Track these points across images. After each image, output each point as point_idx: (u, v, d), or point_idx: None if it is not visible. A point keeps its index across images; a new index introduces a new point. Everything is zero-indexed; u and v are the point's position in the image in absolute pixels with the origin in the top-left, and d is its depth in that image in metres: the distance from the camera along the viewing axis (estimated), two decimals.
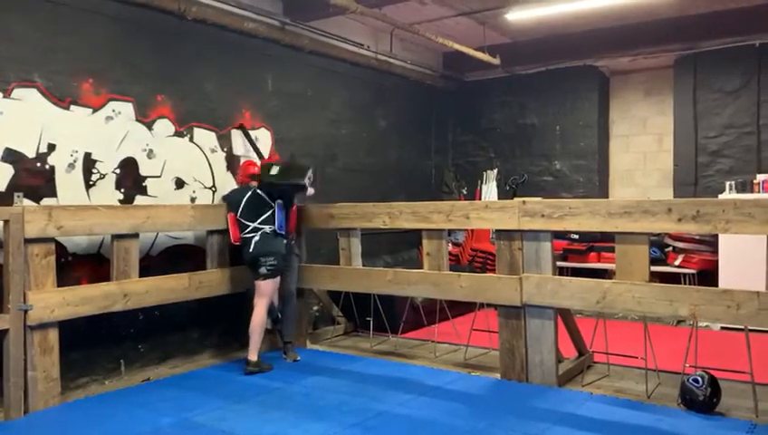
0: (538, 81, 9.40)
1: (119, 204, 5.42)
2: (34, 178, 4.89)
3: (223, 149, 6.38)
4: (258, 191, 5.79)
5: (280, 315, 6.14)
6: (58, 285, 4.74)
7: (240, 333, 6.06)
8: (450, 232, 7.34)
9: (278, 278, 5.79)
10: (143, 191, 5.67)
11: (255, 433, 4.17)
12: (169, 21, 5.83)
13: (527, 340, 5.23)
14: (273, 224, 5.70)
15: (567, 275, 7.15)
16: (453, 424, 4.29)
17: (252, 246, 5.68)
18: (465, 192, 9.88)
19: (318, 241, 7.00)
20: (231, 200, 5.90)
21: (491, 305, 5.94)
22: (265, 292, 5.70)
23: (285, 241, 5.86)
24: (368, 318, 6.78)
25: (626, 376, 5.36)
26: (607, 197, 9.14)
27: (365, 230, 6.29)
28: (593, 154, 9.10)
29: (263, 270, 5.65)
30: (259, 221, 5.70)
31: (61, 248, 4.96)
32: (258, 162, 6.26)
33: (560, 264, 8.24)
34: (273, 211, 5.71)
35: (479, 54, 8.33)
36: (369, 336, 6.78)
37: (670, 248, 8.01)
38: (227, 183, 6.37)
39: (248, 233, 5.73)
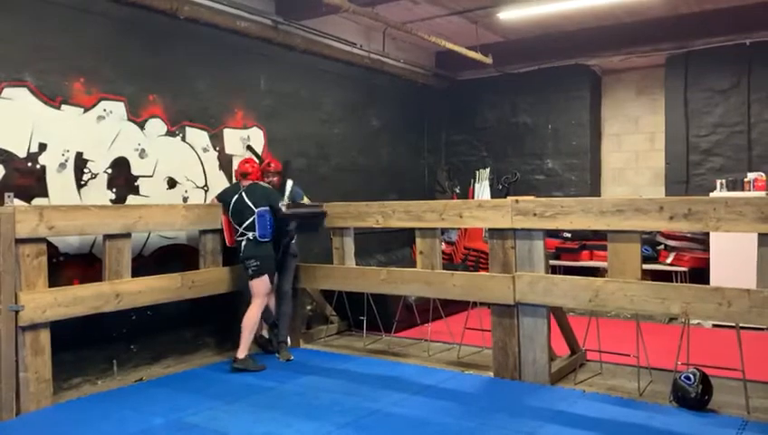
0: (530, 80, 9.42)
1: (110, 204, 5.41)
2: (25, 178, 4.87)
3: (215, 149, 6.37)
4: (243, 194, 5.77)
5: (277, 322, 6.13)
6: (49, 286, 4.71)
7: (233, 332, 6.04)
8: (443, 231, 7.34)
9: (265, 277, 5.76)
10: (135, 191, 5.65)
11: (248, 433, 4.16)
12: (161, 20, 5.81)
13: (520, 338, 5.24)
14: (255, 231, 5.69)
15: (559, 274, 7.18)
16: (446, 423, 4.30)
17: (241, 249, 5.75)
18: (457, 191, 9.89)
19: (311, 240, 6.98)
20: (223, 201, 5.90)
21: (484, 304, 5.95)
22: (257, 291, 5.73)
23: (271, 245, 5.82)
24: (361, 317, 6.77)
25: (618, 374, 5.38)
26: (599, 195, 9.18)
27: (358, 229, 6.29)
28: (585, 153, 9.13)
29: (249, 271, 5.73)
30: (243, 227, 5.72)
31: (52, 248, 4.94)
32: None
33: (552, 262, 8.26)
34: (254, 219, 5.68)
35: (471, 53, 8.34)
36: (363, 335, 6.77)
37: (662, 246, 8.05)
38: (220, 182, 6.36)
39: (238, 236, 5.79)
